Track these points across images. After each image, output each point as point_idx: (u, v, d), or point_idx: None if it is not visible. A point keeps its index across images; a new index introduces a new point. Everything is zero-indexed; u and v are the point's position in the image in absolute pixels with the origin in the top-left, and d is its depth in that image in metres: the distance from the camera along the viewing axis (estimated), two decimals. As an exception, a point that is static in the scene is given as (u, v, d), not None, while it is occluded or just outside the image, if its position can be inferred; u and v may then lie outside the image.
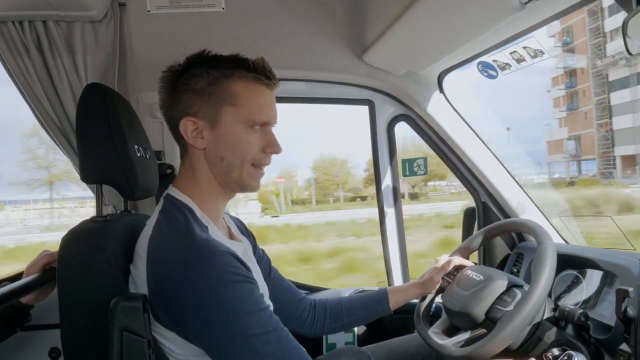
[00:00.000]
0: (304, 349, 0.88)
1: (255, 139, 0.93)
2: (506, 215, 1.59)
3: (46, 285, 1.00)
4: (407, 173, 1.72)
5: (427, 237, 8.74)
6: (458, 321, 1.11)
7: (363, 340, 1.55)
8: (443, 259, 1.26)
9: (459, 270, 1.20)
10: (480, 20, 1.10)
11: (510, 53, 1.30)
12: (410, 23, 1.18)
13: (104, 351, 0.84)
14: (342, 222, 12.57)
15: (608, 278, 1.17)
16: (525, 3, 0.97)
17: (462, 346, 1.03)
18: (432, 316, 1.27)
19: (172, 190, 0.95)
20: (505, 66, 1.35)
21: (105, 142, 0.97)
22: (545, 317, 1.03)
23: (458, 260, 1.24)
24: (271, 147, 0.95)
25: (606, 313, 1.11)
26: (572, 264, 1.27)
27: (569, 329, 1.03)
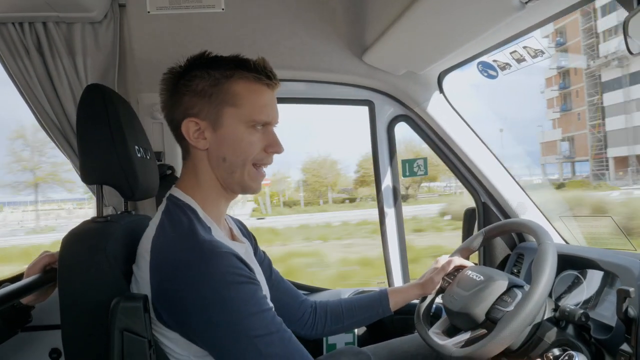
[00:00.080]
0: (307, 351, 0.88)
1: (257, 139, 0.93)
2: (506, 216, 1.59)
3: (47, 286, 1.00)
4: (407, 173, 1.72)
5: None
6: (458, 321, 1.11)
7: (363, 340, 1.55)
8: (443, 259, 1.26)
9: (459, 271, 1.20)
10: (480, 20, 1.10)
11: (511, 53, 1.30)
12: (410, 23, 1.18)
13: (105, 352, 0.84)
14: (317, 226, 12.24)
15: (609, 278, 1.17)
16: (525, 3, 0.97)
17: (463, 346, 1.03)
18: (432, 317, 1.27)
19: (175, 191, 0.95)
20: (505, 66, 1.35)
21: (106, 143, 0.97)
22: (545, 317, 1.03)
23: (458, 260, 1.24)
24: (273, 146, 0.95)
25: (607, 313, 1.11)
26: (572, 264, 1.26)
27: (570, 330, 1.03)
